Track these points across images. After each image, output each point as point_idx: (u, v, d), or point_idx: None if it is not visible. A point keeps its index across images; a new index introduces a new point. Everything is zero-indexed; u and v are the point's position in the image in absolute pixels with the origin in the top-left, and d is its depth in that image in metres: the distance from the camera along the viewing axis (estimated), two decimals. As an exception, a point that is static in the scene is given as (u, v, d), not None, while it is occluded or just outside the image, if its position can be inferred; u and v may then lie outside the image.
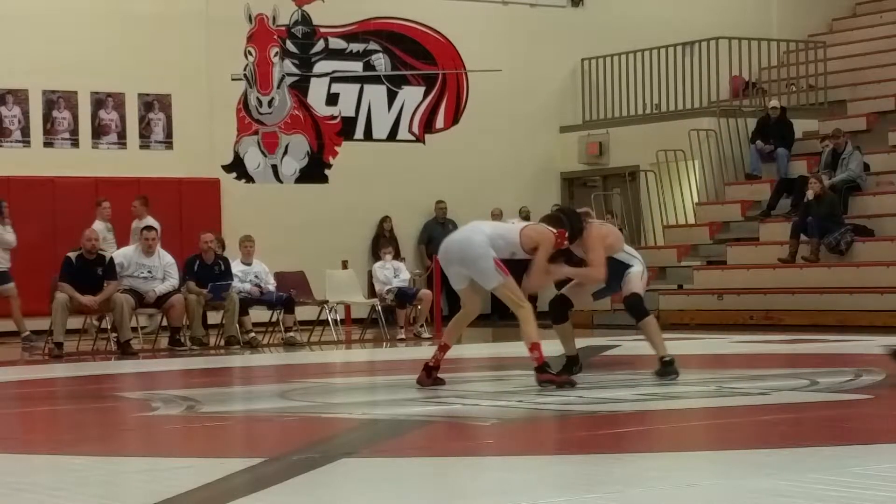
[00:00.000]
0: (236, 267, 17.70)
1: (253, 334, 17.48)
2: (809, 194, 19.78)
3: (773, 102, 22.72)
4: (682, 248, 21.85)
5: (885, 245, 19.49)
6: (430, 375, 10.79)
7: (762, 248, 20.95)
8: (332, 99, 23.07)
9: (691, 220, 22.65)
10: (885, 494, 5.92)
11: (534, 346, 10.48)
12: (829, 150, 21.13)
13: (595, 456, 7.40)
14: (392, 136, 23.51)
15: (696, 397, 10.14)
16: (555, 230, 10.64)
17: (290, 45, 22.78)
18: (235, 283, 17.39)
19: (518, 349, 11.67)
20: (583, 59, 24.73)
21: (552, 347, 11.02)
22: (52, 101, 21.00)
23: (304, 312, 18.42)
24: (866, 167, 21.10)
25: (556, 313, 11.14)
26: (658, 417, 9.21)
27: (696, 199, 23.02)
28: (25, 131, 20.85)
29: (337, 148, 23.08)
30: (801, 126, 22.95)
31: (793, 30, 25.61)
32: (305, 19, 22.89)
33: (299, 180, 22.77)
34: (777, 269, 20.09)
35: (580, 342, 12.11)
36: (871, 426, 8.54)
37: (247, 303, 17.49)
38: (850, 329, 17.87)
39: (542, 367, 10.50)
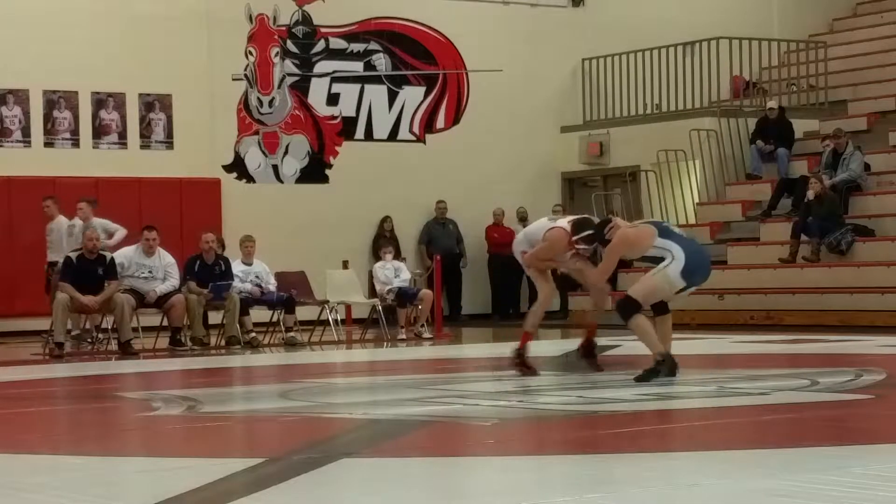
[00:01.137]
0: (237, 267, 17.69)
1: (253, 334, 17.47)
2: (810, 194, 19.77)
3: (771, 103, 22.70)
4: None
5: (885, 245, 19.48)
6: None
7: (763, 248, 20.94)
8: (333, 99, 23.05)
9: (692, 221, 22.61)
10: (885, 494, 5.92)
11: (526, 335, 11.73)
12: (829, 150, 21.10)
13: (595, 456, 7.40)
14: (393, 136, 23.49)
15: (696, 397, 10.14)
16: (571, 235, 11.37)
17: (290, 45, 22.76)
18: (236, 283, 17.39)
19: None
20: (583, 59, 24.72)
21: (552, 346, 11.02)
22: (53, 101, 20.99)
23: (304, 312, 18.40)
24: (867, 167, 21.09)
25: (654, 308, 11.26)
26: (658, 417, 9.21)
27: (696, 199, 23.01)
28: (26, 131, 20.83)
29: (337, 148, 23.07)
30: (801, 126, 22.93)
31: (793, 30, 25.60)
32: (306, 19, 22.88)
33: (300, 180, 22.75)
34: (777, 269, 20.08)
35: (579, 342, 12.11)
36: (871, 426, 8.54)
37: (247, 303, 17.49)
38: (850, 329, 17.86)
39: (517, 351, 11.64)
